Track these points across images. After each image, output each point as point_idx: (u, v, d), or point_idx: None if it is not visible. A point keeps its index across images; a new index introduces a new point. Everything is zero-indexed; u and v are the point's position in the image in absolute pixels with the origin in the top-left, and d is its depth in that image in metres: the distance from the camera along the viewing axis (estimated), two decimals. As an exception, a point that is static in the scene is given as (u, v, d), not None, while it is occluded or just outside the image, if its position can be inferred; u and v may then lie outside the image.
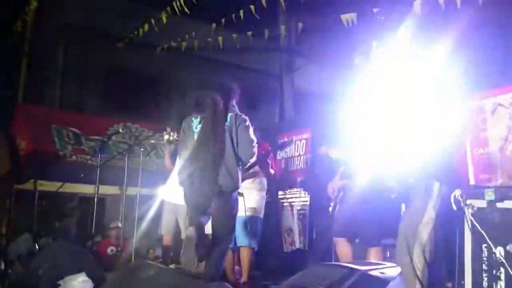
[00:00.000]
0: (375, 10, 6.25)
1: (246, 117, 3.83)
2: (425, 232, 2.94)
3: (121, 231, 6.99)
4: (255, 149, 3.74)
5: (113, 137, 7.71)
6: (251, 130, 3.77)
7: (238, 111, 3.86)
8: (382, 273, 2.10)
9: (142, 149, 5.96)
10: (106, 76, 10.92)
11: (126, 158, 5.74)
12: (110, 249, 6.96)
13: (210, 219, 3.91)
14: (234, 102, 3.91)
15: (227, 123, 3.72)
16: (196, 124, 3.79)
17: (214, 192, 3.62)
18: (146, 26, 6.82)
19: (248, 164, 3.93)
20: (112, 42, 7.93)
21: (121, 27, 8.65)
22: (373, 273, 2.08)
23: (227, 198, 3.71)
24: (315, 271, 2.15)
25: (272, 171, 4.78)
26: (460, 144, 5.27)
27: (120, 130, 7.78)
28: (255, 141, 3.77)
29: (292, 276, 2.31)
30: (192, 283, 2.46)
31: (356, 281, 1.95)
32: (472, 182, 5.34)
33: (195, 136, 3.75)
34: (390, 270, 2.15)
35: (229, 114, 3.75)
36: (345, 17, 5.27)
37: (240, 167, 3.82)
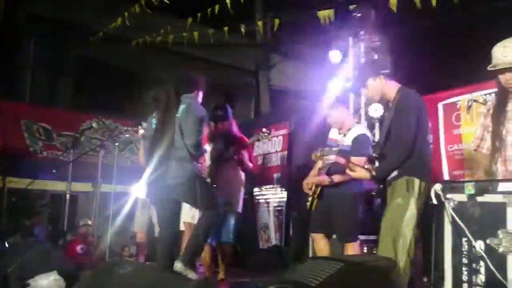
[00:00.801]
0: (351, 7, 6.29)
1: (199, 108, 3.79)
2: (408, 228, 2.94)
3: (91, 228, 6.86)
4: (198, 139, 3.70)
5: (86, 133, 7.57)
6: (197, 120, 3.70)
7: (193, 102, 3.81)
8: (378, 264, 2.09)
9: (117, 144, 5.85)
10: (78, 70, 10.66)
11: (100, 154, 5.63)
12: (80, 248, 6.82)
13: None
14: (197, 94, 3.90)
15: (178, 114, 3.72)
16: (154, 121, 3.86)
17: (165, 185, 3.65)
18: (119, 19, 6.68)
19: (197, 154, 3.81)
20: (85, 35, 7.74)
21: (94, 20, 8.47)
22: (370, 264, 2.07)
23: (184, 189, 3.68)
24: (310, 265, 2.12)
25: (250, 165, 4.73)
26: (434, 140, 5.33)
27: (93, 126, 7.65)
28: (198, 130, 3.71)
29: (284, 271, 2.27)
30: (172, 280, 2.41)
31: (354, 273, 1.93)
32: (446, 178, 5.41)
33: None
34: (386, 262, 2.15)
35: (182, 106, 3.75)
36: (322, 13, 5.25)
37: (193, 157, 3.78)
